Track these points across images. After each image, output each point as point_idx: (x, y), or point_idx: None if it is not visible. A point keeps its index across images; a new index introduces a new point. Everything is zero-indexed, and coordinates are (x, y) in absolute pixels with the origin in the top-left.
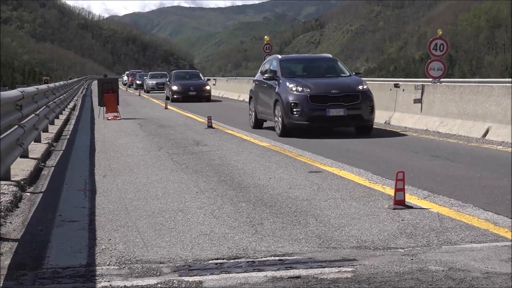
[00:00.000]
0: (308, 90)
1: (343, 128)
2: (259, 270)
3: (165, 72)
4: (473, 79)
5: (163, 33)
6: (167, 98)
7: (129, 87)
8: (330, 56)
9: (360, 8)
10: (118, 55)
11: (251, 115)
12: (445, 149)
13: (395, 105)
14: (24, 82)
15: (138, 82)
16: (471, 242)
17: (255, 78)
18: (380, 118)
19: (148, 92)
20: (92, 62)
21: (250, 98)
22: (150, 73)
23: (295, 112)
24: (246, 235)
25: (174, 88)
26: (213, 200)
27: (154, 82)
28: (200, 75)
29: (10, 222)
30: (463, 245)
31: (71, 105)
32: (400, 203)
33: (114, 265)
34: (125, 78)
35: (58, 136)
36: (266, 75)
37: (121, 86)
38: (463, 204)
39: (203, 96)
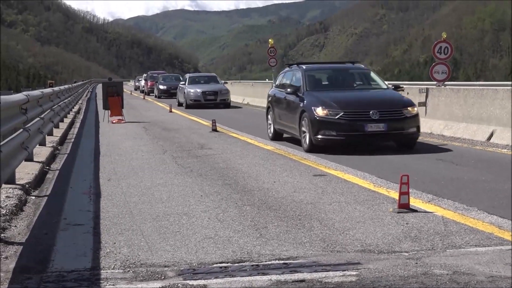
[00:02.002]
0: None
1: None
2: (264, 274)
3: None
4: (477, 82)
5: (167, 36)
6: (180, 104)
7: (148, 94)
8: (362, 65)
9: (365, 11)
10: (122, 59)
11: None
12: (449, 152)
13: None
14: (29, 85)
15: (162, 87)
16: (475, 245)
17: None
18: None
19: (159, 97)
20: (97, 66)
21: (268, 108)
22: (161, 75)
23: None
24: (250, 238)
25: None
26: (218, 204)
27: (165, 86)
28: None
29: (15, 226)
30: (467, 249)
31: (75, 108)
32: (404, 207)
33: (118, 269)
34: (140, 83)
35: (63, 140)
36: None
37: (135, 94)
38: (467, 207)
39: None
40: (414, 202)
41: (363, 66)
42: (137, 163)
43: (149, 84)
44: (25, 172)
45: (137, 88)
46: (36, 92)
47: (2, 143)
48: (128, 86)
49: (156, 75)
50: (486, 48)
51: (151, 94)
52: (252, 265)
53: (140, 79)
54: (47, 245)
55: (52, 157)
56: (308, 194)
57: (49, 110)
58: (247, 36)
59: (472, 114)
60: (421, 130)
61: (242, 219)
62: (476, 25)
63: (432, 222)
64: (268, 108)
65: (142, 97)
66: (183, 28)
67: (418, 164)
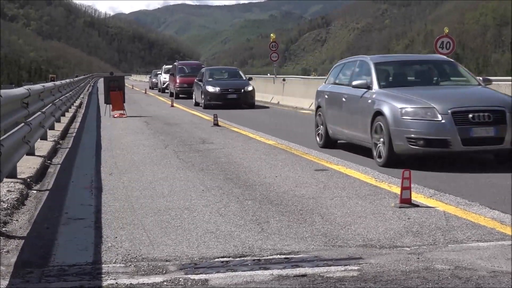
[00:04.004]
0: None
1: None
2: (265, 269)
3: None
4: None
5: (169, 31)
6: (197, 104)
7: (177, 97)
8: (445, 57)
9: (367, 6)
10: (124, 53)
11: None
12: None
13: None
14: (30, 79)
15: (213, 89)
16: (477, 240)
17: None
18: None
19: (162, 91)
20: (99, 60)
21: (318, 108)
22: (165, 66)
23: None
24: (252, 233)
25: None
26: (219, 198)
27: (217, 88)
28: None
29: (17, 220)
30: (469, 244)
31: (77, 102)
32: (406, 202)
33: (120, 263)
34: (163, 77)
35: (64, 134)
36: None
37: (152, 94)
38: (469, 202)
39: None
40: (416, 197)
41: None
42: (138, 158)
43: (178, 81)
44: (27, 166)
45: (154, 85)
46: (38, 86)
47: (3, 137)
48: (138, 83)
49: (189, 67)
50: (488, 43)
51: (182, 97)
52: (254, 260)
53: (158, 72)
54: (48, 239)
55: (53, 152)
56: (310, 188)
57: (51, 104)
58: (249, 30)
59: None
60: None
61: (243, 214)
62: (478, 20)
63: (434, 217)
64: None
65: (144, 91)
66: (185, 23)
67: (419, 160)
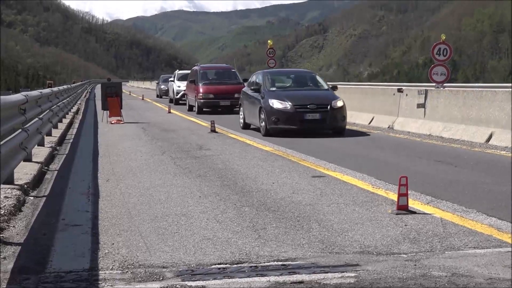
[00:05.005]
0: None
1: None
2: (262, 275)
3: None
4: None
5: (166, 37)
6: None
7: (200, 111)
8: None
9: (364, 12)
10: (121, 59)
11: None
12: (448, 154)
13: (398, 110)
14: (27, 85)
15: (252, 101)
16: (474, 247)
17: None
18: (383, 122)
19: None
20: (96, 66)
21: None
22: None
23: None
24: (249, 240)
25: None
26: (216, 205)
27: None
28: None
29: (14, 226)
30: (466, 251)
31: (74, 109)
32: (403, 208)
33: (117, 270)
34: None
35: (61, 140)
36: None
37: (149, 100)
38: (466, 209)
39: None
40: (413, 204)
41: None
42: (135, 164)
43: (201, 90)
44: (24, 172)
45: (163, 93)
46: (35, 93)
47: (0, 143)
48: (136, 89)
49: (215, 72)
50: (485, 50)
51: (205, 111)
52: (251, 267)
53: (170, 79)
54: (45, 246)
55: (50, 158)
56: (307, 195)
57: (48, 110)
58: (246, 37)
59: (471, 116)
60: (421, 131)
61: (240, 220)
62: (475, 26)
63: (431, 224)
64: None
65: (141, 97)
66: (182, 29)
67: (417, 166)
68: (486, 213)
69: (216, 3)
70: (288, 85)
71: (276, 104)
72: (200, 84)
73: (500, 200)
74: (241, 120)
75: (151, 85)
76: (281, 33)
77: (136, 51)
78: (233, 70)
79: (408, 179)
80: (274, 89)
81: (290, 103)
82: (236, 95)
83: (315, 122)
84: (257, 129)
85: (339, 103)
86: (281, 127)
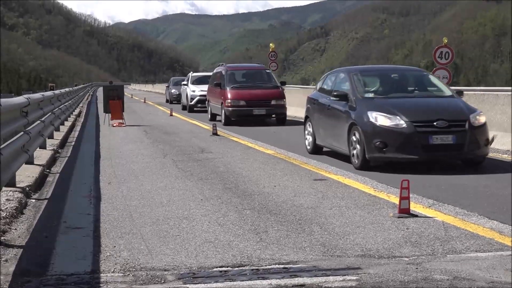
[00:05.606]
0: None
1: None
2: (264, 278)
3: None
4: (478, 87)
5: (168, 40)
6: (213, 118)
7: (228, 123)
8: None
9: (366, 16)
10: (123, 62)
11: None
12: None
13: None
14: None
15: (332, 114)
16: (476, 251)
17: None
18: None
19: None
20: (98, 69)
21: None
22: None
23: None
24: (250, 243)
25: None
26: (218, 208)
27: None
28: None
29: (15, 229)
30: (468, 254)
31: (76, 111)
32: (405, 212)
33: (118, 272)
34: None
35: (63, 143)
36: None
37: (151, 103)
38: (468, 213)
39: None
40: (415, 207)
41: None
42: (137, 167)
43: (229, 96)
44: (26, 175)
45: (174, 98)
46: (37, 95)
47: (2, 146)
48: (138, 92)
49: (243, 73)
50: (487, 53)
51: (233, 122)
52: (252, 270)
53: (183, 83)
54: (47, 248)
55: (52, 160)
56: (309, 198)
57: (50, 113)
58: (248, 40)
59: None
60: None
61: (242, 223)
62: (477, 30)
63: (433, 227)
64: None
65: (143, 100)
66: (184, 32)
67: (419, 170)
68: (488, 217)
69: (218, 6)
70: (386, 89)
71: (380, 119)
72: (228, 88)
73: (502, 203)
74: (309, 141)
75: (153, 88)
76: (283, 36)
77: (138, 54)
78: (268, 70)
79: (409, 183)
80: (371, 95)
81: (404, 118)
82: (273, 102)
83: (446, 148)
84: (333, 153)
85: (482, 119)
86: (390, 157)
